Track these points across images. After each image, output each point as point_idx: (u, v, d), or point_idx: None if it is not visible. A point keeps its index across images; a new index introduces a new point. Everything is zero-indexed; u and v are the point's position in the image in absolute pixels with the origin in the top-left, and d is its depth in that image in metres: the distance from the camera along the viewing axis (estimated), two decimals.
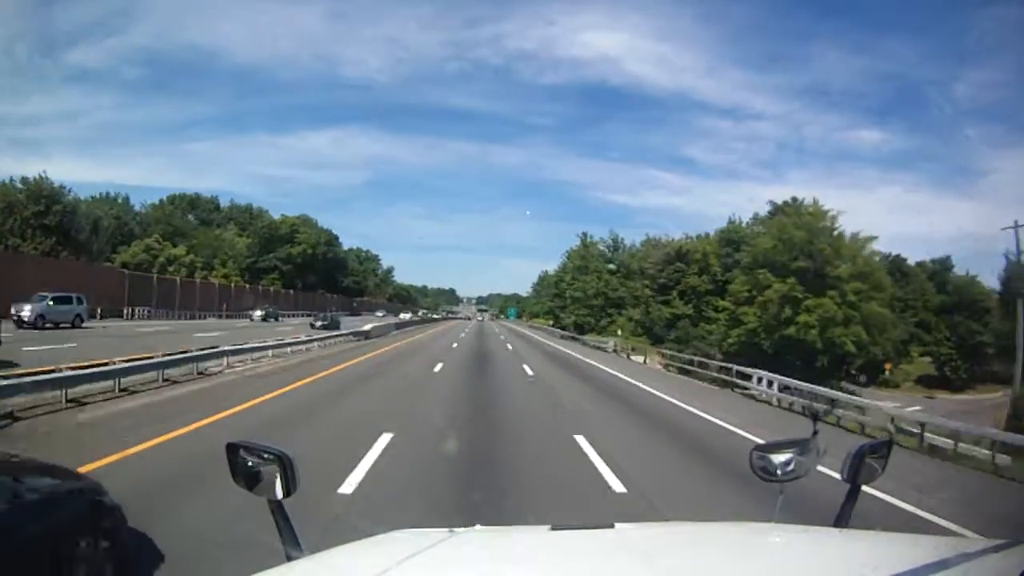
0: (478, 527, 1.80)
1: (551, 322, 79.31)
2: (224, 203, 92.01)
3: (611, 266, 60.01)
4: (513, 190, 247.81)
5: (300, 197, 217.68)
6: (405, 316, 76.17)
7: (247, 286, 70.28)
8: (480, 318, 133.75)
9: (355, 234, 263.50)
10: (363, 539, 1.56)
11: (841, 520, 1.67)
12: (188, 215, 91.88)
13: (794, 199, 71.60)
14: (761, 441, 2.15)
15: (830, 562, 1.36)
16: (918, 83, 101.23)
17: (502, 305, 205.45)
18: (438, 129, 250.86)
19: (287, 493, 1.57)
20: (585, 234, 65.36)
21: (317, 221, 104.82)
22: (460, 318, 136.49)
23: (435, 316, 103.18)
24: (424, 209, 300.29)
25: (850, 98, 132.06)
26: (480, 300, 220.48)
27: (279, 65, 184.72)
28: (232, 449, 1.66)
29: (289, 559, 1.45)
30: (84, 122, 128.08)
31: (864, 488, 1.78)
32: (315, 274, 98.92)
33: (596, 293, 58.44)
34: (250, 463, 1.63)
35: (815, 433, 1.89)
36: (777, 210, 67.91)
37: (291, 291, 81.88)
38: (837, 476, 1.71)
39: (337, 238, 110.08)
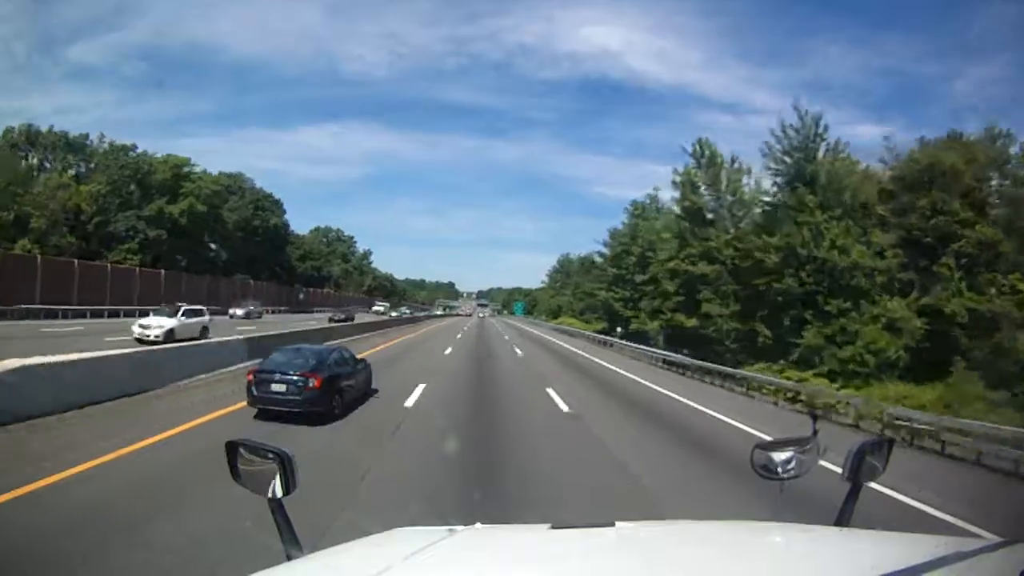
0: (478, 525, 1.69)
1: (601, 326, 44.16)
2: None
3: (811, 197, 22.98)
4: (512, 185, 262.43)
5: (299, 192, 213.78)
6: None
7: (37, 257, 35.56)
8: (481, 314, 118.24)
9: (354, 228, 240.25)
10: (363, 538, 1.53)
11: (842, 519, 1.60)
12: (30, 156, 56.60)
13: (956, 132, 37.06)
14: None
15: (830, 562, 1.33)
16: (918, 79, 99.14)
17: (505, 299, 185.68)
18: (438, 124, 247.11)
19: (287, 492, 1.52)
20: (701, 141, 29.72)
21: (254, 181, 70.12)
22: (460, 314, 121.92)
23: (391, 315, 62.00)
24: (423, 204, 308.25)
25: (850, 94, 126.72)
26: (480, 295, 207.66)
27: (278, 60, 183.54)
28: (232, 447, 1.61)
29: (289, 559, 1.41)
30: (80, 119, 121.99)
31: None
32: (230, 250, 64.19)
33: (789, 263, 21.30)
34: (249, 462, 1.59)
35: (815, 432, 1.82)
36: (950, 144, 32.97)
37: (163, 272, 47.03)
38: None
39: (280, 204, 75.08)
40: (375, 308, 63.27)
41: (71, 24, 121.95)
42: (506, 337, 37.39)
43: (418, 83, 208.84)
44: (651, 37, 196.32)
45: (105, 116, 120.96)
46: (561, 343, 36.46)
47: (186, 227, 53.22)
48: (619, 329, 34.86)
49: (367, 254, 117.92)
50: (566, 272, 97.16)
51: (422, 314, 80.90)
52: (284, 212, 77.43)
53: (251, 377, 9.83)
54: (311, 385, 9.47)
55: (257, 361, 11.65)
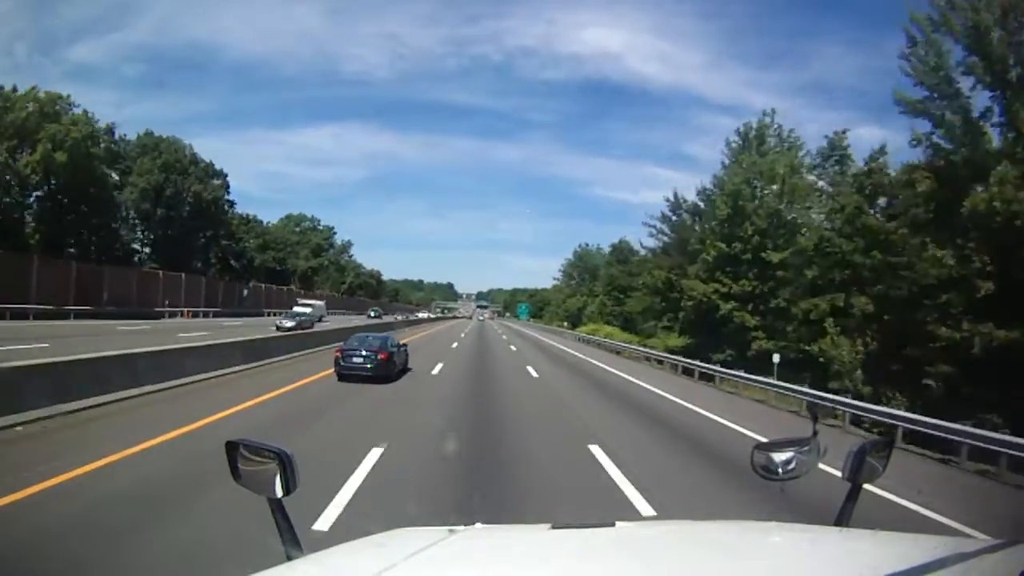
0: (478, 526, 1.68)
1: (679, 341, 26.98)
2: None
3: None
4: (513, 187, 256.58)
5: (300, 193, 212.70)
6: None
7: None
8: (481, 317, 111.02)
9: (353, 230, 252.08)
10: (363, 538, 1.49)
11: (842, 519, 1.59)
12: None
13: None
14: None
15: (830, 562, 1.32)
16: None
17: (507, 301, 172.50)
18: (438, 126, 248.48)
19: (287, 492, 1.50)
20: None
21: (192, 148, 52.70)
22: (459, 317, 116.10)
23: (282, 325, 32.83)
24: (424, 206, 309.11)
25: (850, 96, 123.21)
26: (480, 296, 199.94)
27: (279, 61, 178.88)
28: (231, 447, 1.58)
29: (289, 559, 1.40)
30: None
31: None
32: (143, 230, 46.94)
33: None
34: (249, 461, 1.57)
35: (815, 432, 1.77)
36: None
37: None
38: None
39: (220, 174, 57.54)
40: (297, 308, 42.00)
41: (71, 24, 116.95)
42: (532, 372, 19.84)
43: (419, 84, 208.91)
44: (652, 40, 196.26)
45: (105, 116, 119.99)
46: (638, 382, 19.06)
47: (50, 190, 35.78)
48: (775, 358, 17.17)
49: (347, 246, 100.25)
50: (585, 266, 79.87)
51: (400, 318, 62.70)
52: (225, 186, 59.61)
53: (338, 353, 14.20)
54: (380, 358, 13.89)
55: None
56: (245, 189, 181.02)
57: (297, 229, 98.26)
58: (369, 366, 13.52)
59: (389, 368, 14.05)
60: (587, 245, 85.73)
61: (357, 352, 13.85)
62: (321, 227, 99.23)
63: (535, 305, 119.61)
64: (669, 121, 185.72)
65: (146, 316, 36.30)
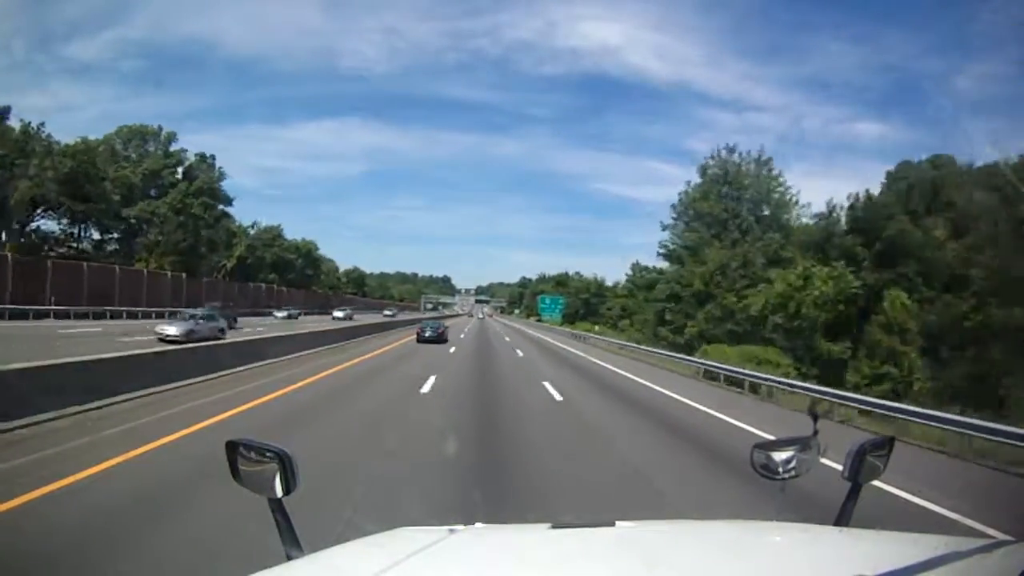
0: (478, 525, 1.75)
1: None
2: None
3: None
4: (512, 181, 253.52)
5: (298, 188, 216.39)
6: None
7: None
8: (480, 315, 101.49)
9: (352, 225, 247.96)
10: (363, 538, 1.55)
11: (842, 519, 1.62)
12: None
13: None
14: None
15: (830, 561, 1.35)
16: (919, 76, 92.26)
17: (513, 295, 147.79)
18: (437, 120, 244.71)
19: (287, 491, 1.52)
20: None
21: None
22: (457, 314, 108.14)
23: None
24: (422, 200, 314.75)
25: (850, 91, 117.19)
26: (480, 290, 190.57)
27: (276, 56, 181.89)
28: (231, 447, 1.59)
29: (289, 559, 1.43)
30: (80, 116, 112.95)
31: None
32: None
33: None
34: (249, 461, 1.58)
35: (816, 431, 1.80)
36: None
37: None
38: None
39: None
40: None
41: (68, 21, 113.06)
42: None
43: (417, 79, 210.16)
44: (651, 33, 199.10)
45: (104, 113, 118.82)
46: None
47: None
48: None
49: (218, 179, 53.44)
50: (739, 191, 34.02)
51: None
52: None
53: (419, 329, 30.35)
54: (440, 331, 30.08)
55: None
56: (243, 184, 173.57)
57: (127, 152, 51.95)
58: (432, 335, 28.80)
59: (443, 336, 29.81)
60: (732, 148, 38.86)
61: (427, 328, 29.68)
62: (186, 154, 53.63)
63: (572, 299, 74.36)
64: (669, 115, 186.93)
65: None
